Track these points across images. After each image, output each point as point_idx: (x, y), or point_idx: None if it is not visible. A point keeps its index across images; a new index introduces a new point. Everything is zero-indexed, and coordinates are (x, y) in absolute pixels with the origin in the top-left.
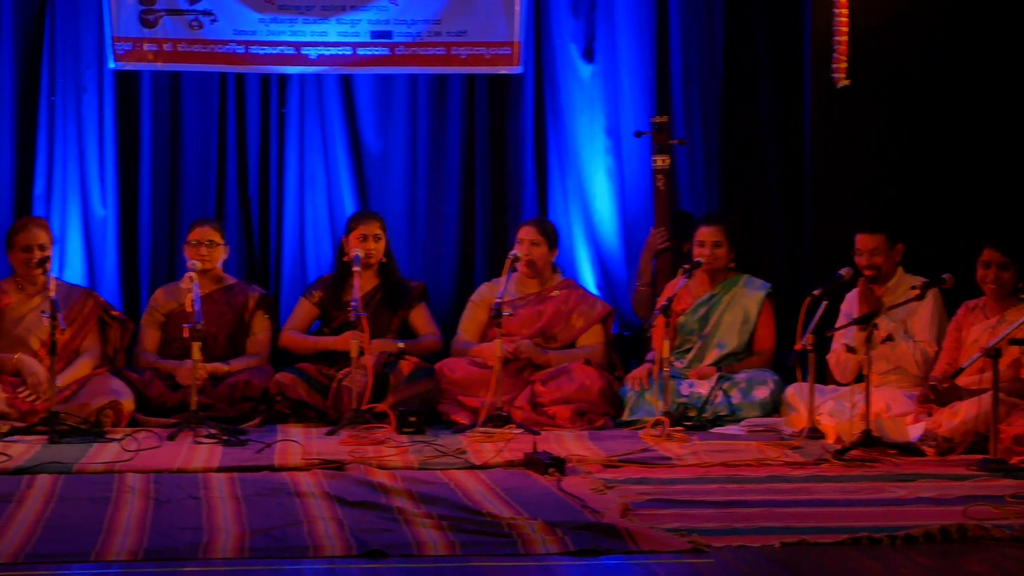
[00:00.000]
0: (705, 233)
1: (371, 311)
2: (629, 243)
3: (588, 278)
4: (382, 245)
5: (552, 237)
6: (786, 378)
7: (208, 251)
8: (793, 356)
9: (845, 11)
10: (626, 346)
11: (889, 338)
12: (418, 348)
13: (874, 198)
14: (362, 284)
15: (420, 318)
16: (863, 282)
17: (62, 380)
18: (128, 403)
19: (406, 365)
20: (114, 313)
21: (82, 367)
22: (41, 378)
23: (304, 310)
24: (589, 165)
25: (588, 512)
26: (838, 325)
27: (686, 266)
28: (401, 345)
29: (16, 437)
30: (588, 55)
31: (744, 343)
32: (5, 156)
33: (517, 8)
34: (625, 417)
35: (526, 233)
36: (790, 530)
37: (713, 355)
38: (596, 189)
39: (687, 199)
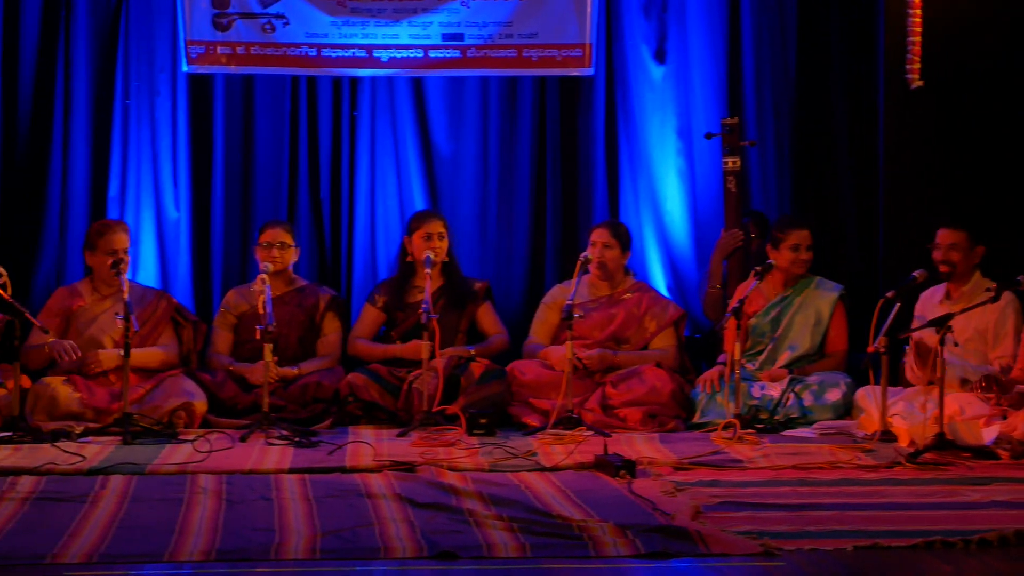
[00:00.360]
0: (802, 237)
1: (438, 312)
2: (700, 245)
3: (659, 280)
4: (446, 244)
5: (625, 240)
6: (859, 380)
7: (280, 253)
8: (866, 358)
9: (919, 11)
10: (697, 348)
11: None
12: (487, 350)
13: (948, 200)
14: (428, 285)
15: (486, 317)
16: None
17: (133, 360)
18: (201, 404)
19: (477, 367)
20: (187, 315)
21: (154, 354)
22: (67, 346)
23: (370, 316)
24: (660, 167)
25: (659, 514)
26: (912, 327)
27: (758, 268)
28: (472, 351)
29: (90, 438)
30: (659, 56)
31: (816, 345)
32: (80, 159)
33: (589, 10)
34: (696, 419)
35: (599, 236)
36: (863, 533)
37: (785, 357)
38: (667, 191)
39: (758, 200)
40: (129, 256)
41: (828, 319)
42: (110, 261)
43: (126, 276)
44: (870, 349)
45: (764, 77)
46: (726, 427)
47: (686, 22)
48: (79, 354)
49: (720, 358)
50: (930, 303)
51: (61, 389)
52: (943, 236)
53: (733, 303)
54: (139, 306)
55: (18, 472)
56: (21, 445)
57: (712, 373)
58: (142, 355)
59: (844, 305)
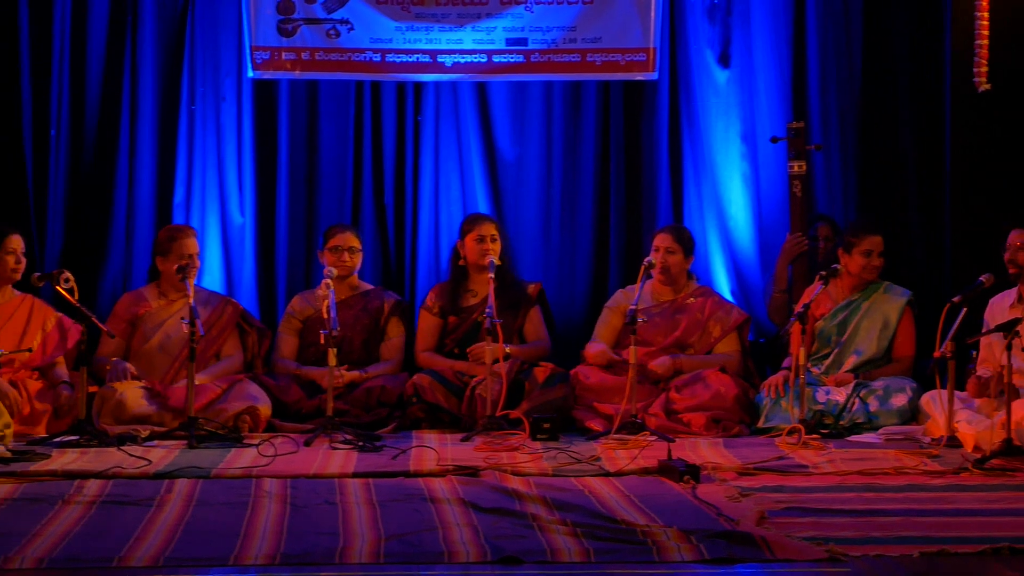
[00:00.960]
0: (874, 243)
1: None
2: (765, 249)
3: (723, 285)
4: (499, 246)
5: (688, 244)
6: (925, 386)
7: (348, 257)
8: (932, 364)
9: (986, 14)
10: (762, 353)
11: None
12: (525, 354)
13: (1017, 202)
14: (481, 289)
15: (533, 321)
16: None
17: (209, 376)
18: (265, 409)
19: (541, 372)
20: (252, 321)
21: (227, 368)
22: (126, 370)
23: (430, 324)
24: (724, 171)
25: (723, 520)
26: (980, 333)
27: (823, 272)
28: (508, 349)
29: (156, 442)
30: (724, 60)
31: (883, 350)
32: (146, 165)
33: (652, 14)
34: (760, 424)
35: (661, 240)
36: (929, 539)
37: (851, 361)
38: (731, 195)
39: (823, 205)
40: (199, 261)
41: (896, 324)
42: (177, 266)
43: (193, 281)
44: (936, 354)
45: (829, 81)
46: (791, 432)
47: (751, 26)
48: (135, 374)
49: (785, 363)
50: (1000, 307)
51: (130, 392)
52: (1015, 237)
53: (798, 308)
54: (205, 311)
55: (85, 476)
56: (88, 449)
57: (777, 378)
58: (220, 371)
59: (912, 310)
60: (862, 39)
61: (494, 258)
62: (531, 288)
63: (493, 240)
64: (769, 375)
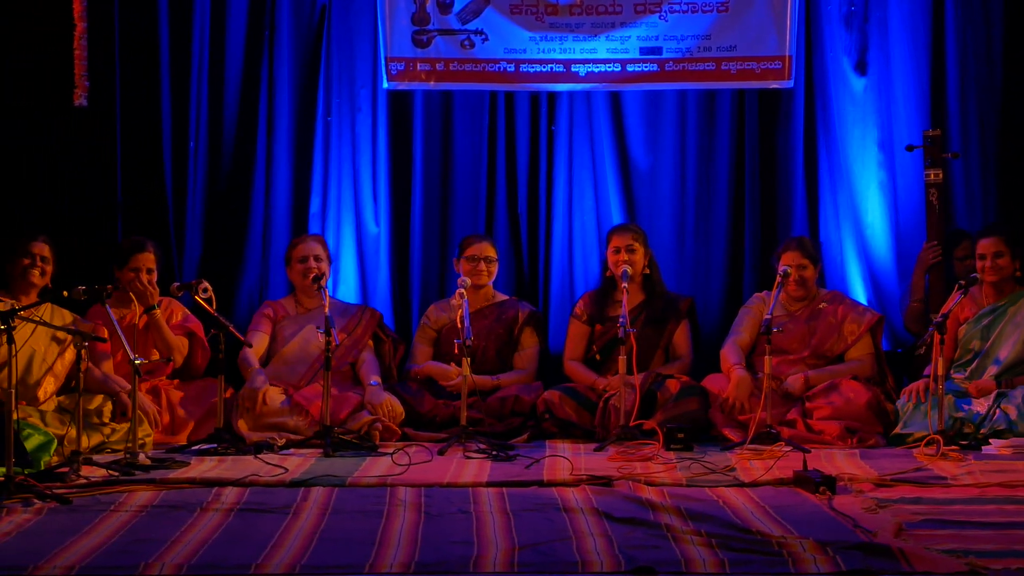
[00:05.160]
0: (985, 245)
1: (637, 328)
2: (902, 258)
3: (859, 293)
4: (637, 256)
5: (815, 255)
6: None
7: (486, 266)
8: None
9: None
10: (898, 363)
11: None
12: (673, 369)
13: None
14: (628, 299)
15: (680, 336)
16: None
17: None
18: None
19: (674, 383)
20: (388, 331)
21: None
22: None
23: (579, 332)
24: (861, 179)
25: (860, 531)
26: None
27: (962, 281)
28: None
29: (292, 450)
30: (860, 68)
31: None
32: (283, 176)
33: (788, 22)
34: (898, 430)
35: (791, 259)
36: None
37: (994, 369)
38: (868, 204)
39: (963, 213)
40: (327, 268)
41: None
42: (302, 269)
43: (327, 291)
44: None
45: (968, 88)
46: (928, 443)
47: (888, 32)
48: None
49: (926, 370)
50: None
51: (272, 396)
52: None
53: (937, 317)
54: (343, 320)
55: (223, 483)
56: (225, 457)
57: (918, 384)
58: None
59: None
60: (1003, 45)
61: (627, 268)
62: (682, 303)
63: (630, 251)
64: (906, 384)
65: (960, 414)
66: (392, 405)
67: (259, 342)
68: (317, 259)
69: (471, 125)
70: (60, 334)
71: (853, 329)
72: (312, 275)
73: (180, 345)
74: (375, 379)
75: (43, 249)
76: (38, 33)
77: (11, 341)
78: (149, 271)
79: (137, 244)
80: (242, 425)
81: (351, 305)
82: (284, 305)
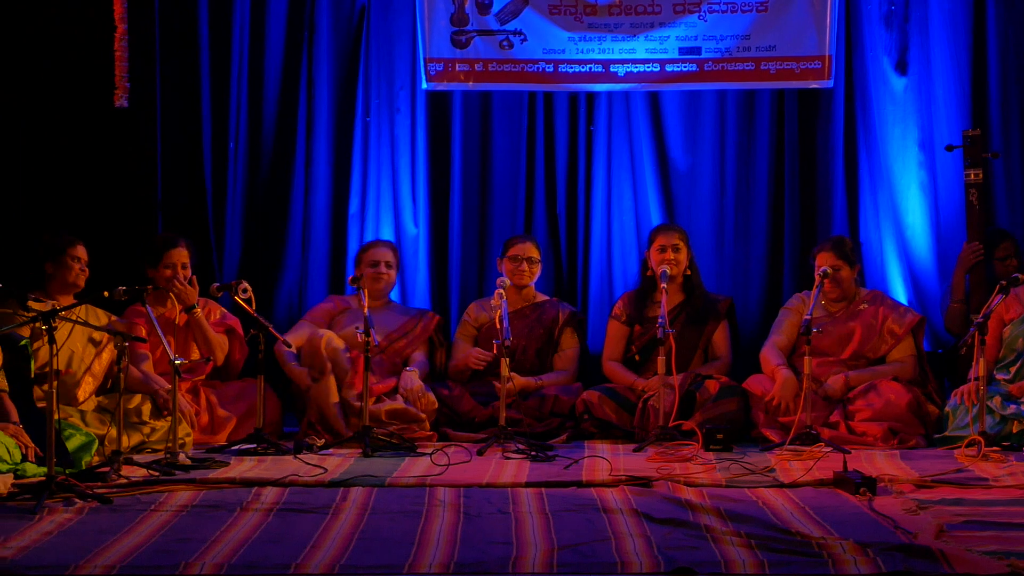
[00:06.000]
0: (1007, 248)
1: (676, 329)
2: (942, 258)
3: (899, 293)
4: (682, 256)
5: (850, 256)
6: None
7: (529, 267)
8: None
9: None
10: (939, 364)
11: None
12: (712, 369)
13: None
14: (667, 300)
15: (720, 337)
16: None
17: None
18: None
19: (713, 384)
20: (443, 338)
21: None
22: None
23: (619, 334)
24: (901, 179)
25: (901, 533)
26: None
27: (1003, 282)
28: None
29: (331, 450)
30: (901, 67)
31: None
32: (322, 176)
33: (828, 22)
34: (948, 432)
35: (825, 260)
36: None
37: None
38: (908, 204)
39: (1003, 213)
40: (395, 274)
41: None
42: (372, 274)
43: (367, 290)
44: None
45: (1010, 87)
46: (970, 444)
47: (929, 32)
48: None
49: (972, 372)
50: None
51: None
52: None
53: (978, 318)
54: (402, 319)
55: (263, 483)
56: (265, 457)
57: (969, 386)
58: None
59: None
60: None
61: (667, 268)
62: (722, 304)
63: (675, 251)
64: (947, 386)
65: (1011, 410)
66: (424, 392)
67: (300, 336)
68: (388, 265)
69: (510, 126)
70: (96, 335)
71: (894, 330)
72: (380, 283)
73: (222, 343)
74: (412, 366)
75: (83, 252)
76: (79, 35)
77: (52, 341)
78: (184, 266)
79: (169, 240)
80: (331, 400)
81: (413, 308)
82: (349, 300)
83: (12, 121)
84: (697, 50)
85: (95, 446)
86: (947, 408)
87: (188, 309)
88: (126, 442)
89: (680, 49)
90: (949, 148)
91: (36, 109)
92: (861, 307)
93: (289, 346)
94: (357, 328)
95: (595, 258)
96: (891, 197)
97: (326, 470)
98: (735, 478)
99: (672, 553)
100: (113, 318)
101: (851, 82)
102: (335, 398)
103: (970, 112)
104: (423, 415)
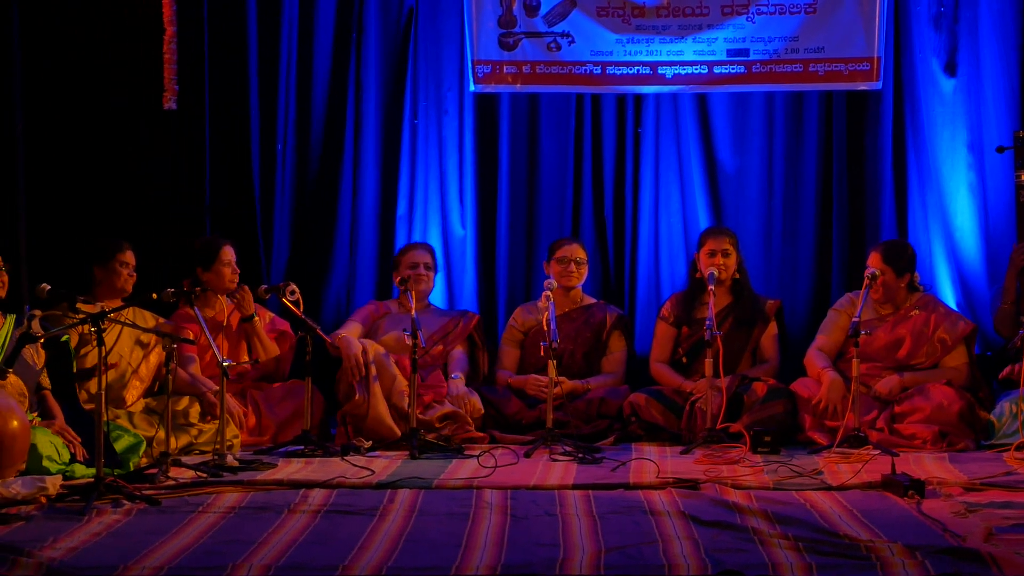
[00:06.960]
0: None
1: (724, 331)
2: (992, 261)
3: (948, 295)
4: (731, 260)
5: (898, 262)
6: None
7: (576, 268)
8: None
9: None
10: (989, 366)
11: None
12: (760, 371)
13: None
14: (715, 302)
15: (768, 339)
16: None
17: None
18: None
19: (760, 386)
20: (484, 339)
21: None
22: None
23: (667, 336)
24: (950, 181)
25: (949, 536)
26: None
27: None
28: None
29: (378, 452)
30: (950, 69)
31: None
32: (370, 178)
33: (877, 23)
34: (995, 440)
35: (872, 262)
36: None
37: None
38: (957, 205)
39: None
40: (434, 276)
41: None
42: (412, 276)
43: (416, 292)
44: None
45: None
46: (1019, 447)
47: (978, 33)
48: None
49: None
50: None
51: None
52: None
53: None
54: (441, 320)
55: (310, 485)
56: (312, 459)
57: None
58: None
59: None
60: None
61: (715, 271)
62: (769, 305)
63: (725, 255)
64: (996, 389)
65: None
66: (470, 399)
67: (351, 331)
68: (427, 267)
69: (557, 127)
70: (144, 337)
71: (945, 340)
72: (423, 279)
73: (274, 349)
74: (457, 373)
75: (131, 257)
76: (128, 38)
77: (101, 343)
78: (233, 268)
79: (221, 240)
80: (381, 409)
81: (452, 310)
82: (389, 304)
83: (62, 124)
84: (745, 52)
85: (143, 447)
86: (992, 415)
87: (247, 319)
88: (174, 444)
89: (728, 51)
90: (1000, 149)
91: (85, 112)
92: (912, 312)
93: (337, 348)
94: (404, 330)
95: (642, 260)
96: (940, 199)
97: (373, 472)
98: (782, 481)
99: (719, 556)
100: (160, 320)
101: (900, 84)
102: (383, 405)
103: (1019, 113)
104: (471, 422)
